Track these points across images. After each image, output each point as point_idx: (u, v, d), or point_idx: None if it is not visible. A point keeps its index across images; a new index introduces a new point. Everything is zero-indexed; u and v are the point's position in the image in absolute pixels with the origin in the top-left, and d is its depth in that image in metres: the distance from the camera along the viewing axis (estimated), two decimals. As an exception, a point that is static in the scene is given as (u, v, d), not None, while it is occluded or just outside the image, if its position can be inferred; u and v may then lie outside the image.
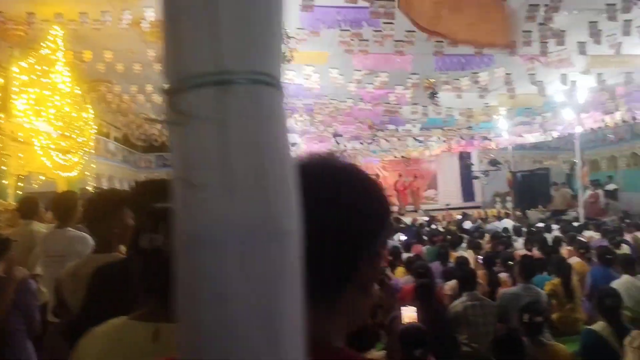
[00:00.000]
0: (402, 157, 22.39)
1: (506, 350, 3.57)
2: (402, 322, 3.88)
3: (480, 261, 8.26)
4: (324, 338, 0.83)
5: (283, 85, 0.60)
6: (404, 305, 6.09)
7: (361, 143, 15.84)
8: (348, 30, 6.11)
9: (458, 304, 5.86)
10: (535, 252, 8.51)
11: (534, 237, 9.41)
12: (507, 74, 8.03)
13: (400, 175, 22.85)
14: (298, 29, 6.39)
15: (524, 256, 7.07)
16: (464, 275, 6.22)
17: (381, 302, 6.85)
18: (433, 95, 8.20)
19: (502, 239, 9.92)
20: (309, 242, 0.72)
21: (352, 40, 6.16)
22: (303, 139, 14.91)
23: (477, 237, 10.44)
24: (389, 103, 9.47)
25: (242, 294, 0.55)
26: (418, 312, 5.05)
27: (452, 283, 6.75)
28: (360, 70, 7.23)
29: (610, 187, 17.08)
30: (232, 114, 0.56)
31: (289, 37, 6.24)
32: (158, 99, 10.72)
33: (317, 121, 11.77)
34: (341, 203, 0.84)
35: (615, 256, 7.26)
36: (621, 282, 6.42)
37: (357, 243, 0.84)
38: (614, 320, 4.59)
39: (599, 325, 4.64)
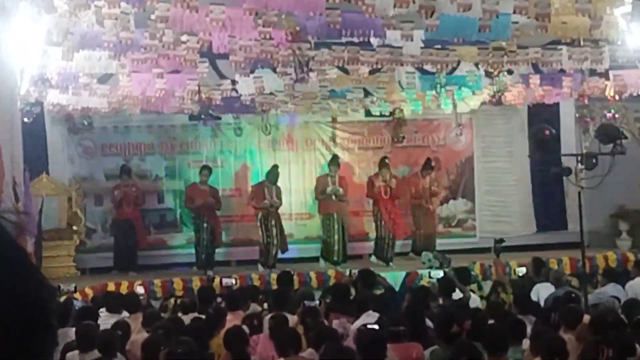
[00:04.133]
0: (385, 115, 10.39)
1: None
2: None
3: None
4: None
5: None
6: None
7: (277, 74, 6.99)
8: None
9: None
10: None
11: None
12: None
13: (382, 162, 10.30)
14: None
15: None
16: None
17: None
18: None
19: (611, 329, 4.86)
20: None
21: None
22: (127, 63, 6.64)
23: (558, 320, 5.51)
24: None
25: None
26: None
27: None
28: None
29: None
30: None
31: None
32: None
33: (159, 21, 5.33)
34: None
35: None
36: None
37: None
38: None
39: None
